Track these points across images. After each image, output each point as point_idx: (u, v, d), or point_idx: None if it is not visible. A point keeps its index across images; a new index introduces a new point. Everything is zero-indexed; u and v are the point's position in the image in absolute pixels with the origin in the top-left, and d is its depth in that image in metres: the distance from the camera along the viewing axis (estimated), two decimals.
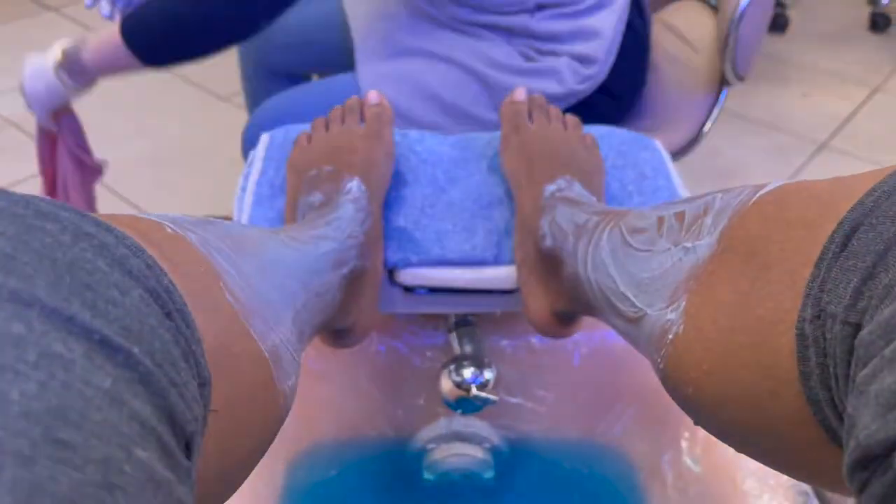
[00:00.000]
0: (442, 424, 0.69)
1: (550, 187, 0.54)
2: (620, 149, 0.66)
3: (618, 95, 0.92)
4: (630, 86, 0.95)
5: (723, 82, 0.97)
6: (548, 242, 0.50)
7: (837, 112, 1.92)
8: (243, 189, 0.62)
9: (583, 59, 0.87)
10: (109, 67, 0.81)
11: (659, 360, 0.32)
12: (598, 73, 0.88)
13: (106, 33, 0.79)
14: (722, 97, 0.98)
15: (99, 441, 0.16)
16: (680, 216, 0.34)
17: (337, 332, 0.53)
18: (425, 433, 0.68)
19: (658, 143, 0.68)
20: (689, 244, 0.32)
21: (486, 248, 0.59)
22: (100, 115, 1.71)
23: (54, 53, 0.83)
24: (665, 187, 0.62)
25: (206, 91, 1.90)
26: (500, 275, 0.58)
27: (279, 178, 0.62)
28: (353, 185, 0.54)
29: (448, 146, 0.67)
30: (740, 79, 0.95)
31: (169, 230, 0.26)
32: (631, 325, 0.35)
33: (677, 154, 0.97)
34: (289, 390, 0.31)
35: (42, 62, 0.84)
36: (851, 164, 1.73)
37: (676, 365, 0.30)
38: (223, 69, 1.93)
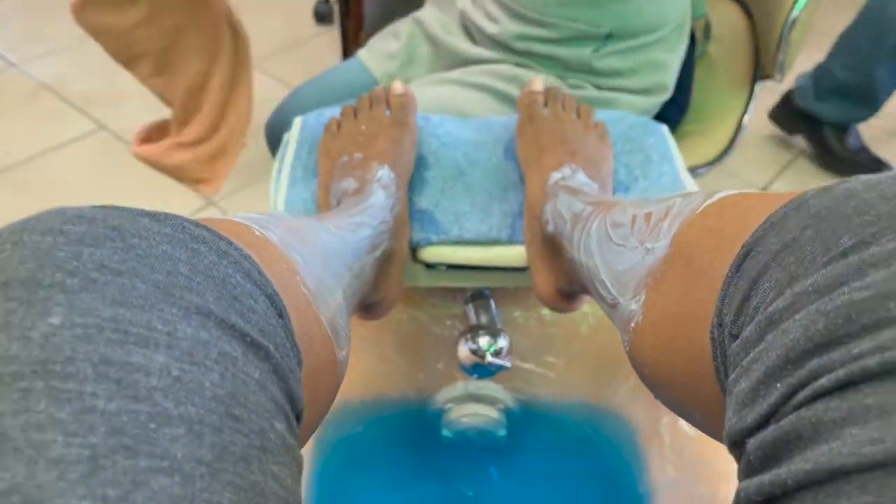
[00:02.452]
0: (459, 387, 0.75)
1: (556, 175, 0.58)
2: (629, 134, 0.70)
3: (666, 119, 0.90)
4: (679, 109, 0.95)
5: (755, 76, 0.98)
6: (550, 228, 0.54)
7: None
8: (278, 171, 0.67)
9: (647, 92, 0.85)
10: None
11: (626, 343, 0.37)
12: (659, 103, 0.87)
13: None
14: (756, 90, 0.98)
15: (257, 416, 0.22)
16: (648, 216, 0.39)
17: (367, 306, 0.58)
18: (444, 394, 0.74)
19: (665, 129, 0.72)
20: (650, 245, 0.37)
21: (501, 228, 0.63)
22: (126, 81, 1.77)
23: None
24: (669, 172, 0.67)
25: None
26: (513, 253, 0.63)
27: (312, 161, 0.67)
28: (384, 172, 0.59)
29: (469, 130, 0.72)
30: (783, 76, 0.95)
31: (257, 233, 0.32)
32: (611, 309, 0.41)
33: (722, 154, 0.96)
34: (344, 359, 0.37)
35: None
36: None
37: (636, 349, 0.36)
38: (250, 37, 1.97)
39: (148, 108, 1.74)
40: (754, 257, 0.26)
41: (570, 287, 0.56)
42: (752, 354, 0.23)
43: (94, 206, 0.24)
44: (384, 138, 0.62)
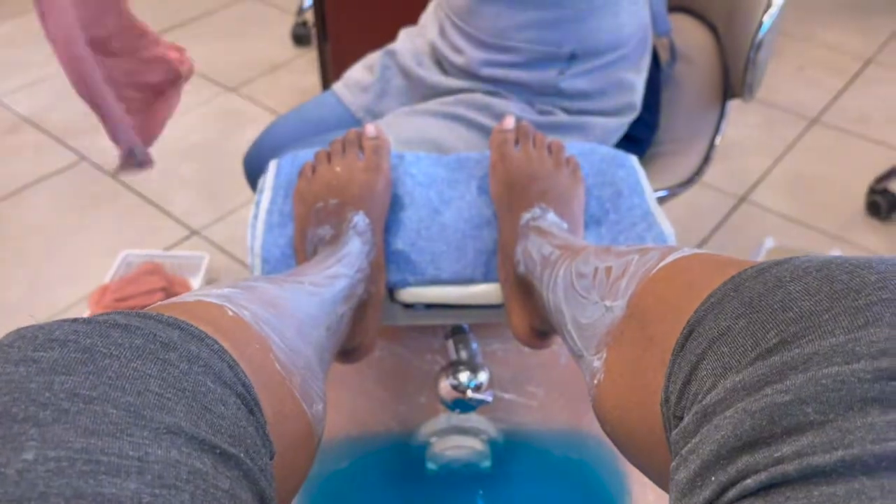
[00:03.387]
0: (442, 419, 0.76)
1: (526, 215, 0.59)
2: (600, 167, 0.72)
3: (638, 140, 0.93)
4: (648, 127, 0.95)
5: (726, 95, 1.00)
6: (521, 268, 0.56)
7: (832, 86, 1.94)
8: (255, 217, 0.68)
9: (617, 113, 0.86)
10: None
11: (590, 398, 0.38)
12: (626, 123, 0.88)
13: None
14: (727, 109, 1.00)
15: None
16: (608, 271, 0.40)
17: (345, 351, 0.59)
18: (427, 427, 0.75)
19: (634, 160, 0.73)
20: (608, 303, 0.38)
21: (476, 267, 0.65)
22: None
23: None
24: (639, 205, 0.68)
25: (213, 82, 1.95)
26: (489, 291, 0.65)
27: (287, 206, 0.68)
28: (359, 218, 0.60)
29: (442, 168, 0.73)
30: (752, 96, 0.96)
31: (230, 313, 0.33)
32: (578, 360, 0.42)
33: (695, 175, 0.97)
34: (319, 413, 0.38)
35: None
36: (842, 139, 1.77)
37: (599, 405, 0.37)
38: (230, 60, 1.98)
39: None
40: (695, 339, 0.27)
41: (543, 326, 0.57)
42: (689, 445, 0.24)
43: (66, 323, 0.25)
44: (358, 183, 0.63)
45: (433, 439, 0.75)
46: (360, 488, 0.74)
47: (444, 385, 0.68)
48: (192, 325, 0.28)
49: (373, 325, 0.60)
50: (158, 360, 0.25)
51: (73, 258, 1.42)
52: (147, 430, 0.22)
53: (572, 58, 0.81)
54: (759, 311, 0.25)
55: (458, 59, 0.85)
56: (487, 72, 0.83)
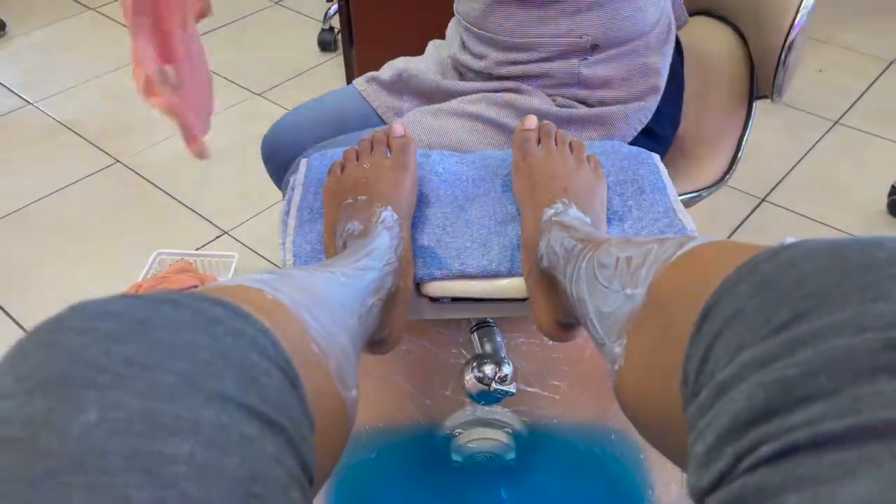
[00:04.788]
0: (467, 412, 0.78)
1: (549, 211, 0.61)
2: (622, 164, 0.73)
3: (660, 136, 0.91)
4: (671, 124, 0.94)
5: (752, 96, 0.99)
6: (545, 263, 0.57)
7: (852, 87, 1.93)
8: (286, 213, 0.71)
9: (639, 97, 0.85)
10: None
11: (612, 383, 0.40)
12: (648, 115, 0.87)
13: None
14: (753, 110, 1.00)
15: (274, 491, 0.24)
16: (629, 261, 0.41)
17: (374, 342, 0.61)
18: (452, 420, 0.77)
19: (656, 158, 0.74)
20: (629, 291, 0.39)
21: (501, 262, 0.66)
22: (138, 115, 1.81)
23: None
24: (661, 202, 0.69)
25: (241, 87, 1.99)
26: (514, 285, 0.66)
27: (318, 203, 0.70)
28: (387, 214, 0.62)
29: (467, 166, 0.75)
30: (781, 97, 0.96)
31: (269, 297, 0.35)
32: (600, 348, 0.43)
33: (725, 176, 0.97)
34: (353, 399, 0.40)
35: None
36: (863, 140, 1.76)
37: (620, 390, 0.38)
38: (258, 66, 2.02)
39: (154, 137, 1.79)
40: (711, 319, 0.28)
41: (567, 319, 0.58)
42: (705, 419, 0.26)
43: (120, 298, 0.27)
44: (386, 181, 0.65)
45: (458, 431, 0.77)
46: (385, 478, 0.76)
47: (469, 378, 0.70)
48: (235, 305, 0.29)
49: (400, 317, 0.62)
50: (207, 333, 0.26)
51: (108, 258, 1.46)
52: (199, 396, 0.24)
53: (594, 48, 0.81)
54: (771, 291, 0.26)
55: (479, 65, 0.86)
56: (508, 70, 0.84)
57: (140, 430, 0.22)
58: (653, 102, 0.87)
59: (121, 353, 0.24)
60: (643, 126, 0.87)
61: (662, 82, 0.87)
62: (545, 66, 0.82)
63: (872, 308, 0.23)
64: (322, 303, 0.40)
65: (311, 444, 0.29)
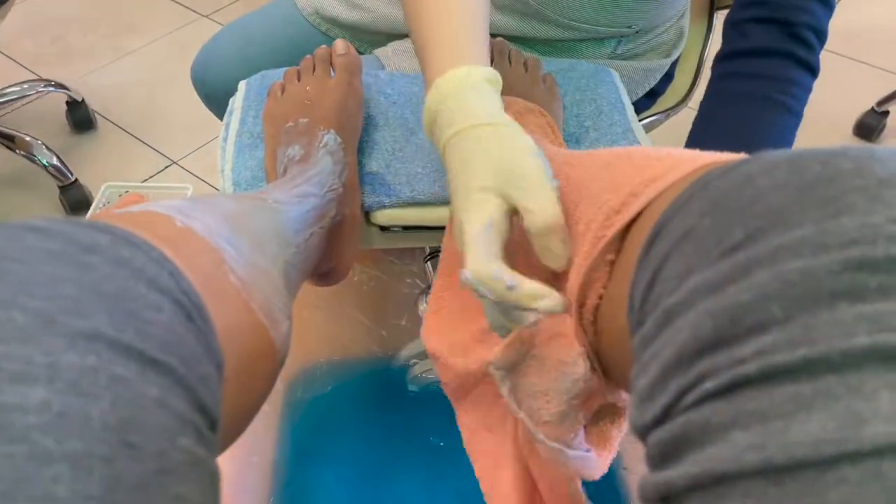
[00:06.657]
0: (422, 342, 0.76)
1: None
2: (579, 84, 0.69)
3: (654, 91, 0.86)
4: (666, 76, 0.89)
5: (712, 6, 0.95)
6: None
7: None
8: (224, 139, 0.66)
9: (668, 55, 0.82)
10: None
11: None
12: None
13: None
14: (714, 22, 0.95)
15: (155, 438, 0.21)
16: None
17: (321, 274, 0.58)
18: (408, 351, 0.76)
19: (616, 76, 0.71)
20: None
21: None
22: (81, 39, 1.70)
23: None
24: (619, 122, 0.66)
25: (187, 8, 1.88)
26: None
27: (258, 127, 0.66)
28: (329, 137, 0.58)
29: (418, 86, 0.70)
30: None
31: (179, 223, 0.31)
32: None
33: (685, 96, 0.92)
34: (283, 336, 0.37)
35: None
36: (829, 61, 1.74)
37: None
38: None
39: (98, 70, 1.69)
40: (660, 240, 0.26)
41: None
42: (650, 350, 0.24)
43: None
44: (329, 102, 0.61)
45: (413, 362, 0.76)
46: (342, 412, 0.75)
47: (424, 308, 0.68)
48: (127, 231, 0.26)
49: (349, 247, 0.59)
50: (77, 264, 0.23)
51: None
52: (59, 336, 0.21)
53: (636, 34, 0.77)
54: (725, 209, 0.23)
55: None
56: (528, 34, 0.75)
57: None
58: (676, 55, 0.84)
59: None
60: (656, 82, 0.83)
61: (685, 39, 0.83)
62: (577, 46, 0.76)
63: (833, 224, 0.21)
64: (245, 231, 0.37)
65: (213, 383, 0.26)
